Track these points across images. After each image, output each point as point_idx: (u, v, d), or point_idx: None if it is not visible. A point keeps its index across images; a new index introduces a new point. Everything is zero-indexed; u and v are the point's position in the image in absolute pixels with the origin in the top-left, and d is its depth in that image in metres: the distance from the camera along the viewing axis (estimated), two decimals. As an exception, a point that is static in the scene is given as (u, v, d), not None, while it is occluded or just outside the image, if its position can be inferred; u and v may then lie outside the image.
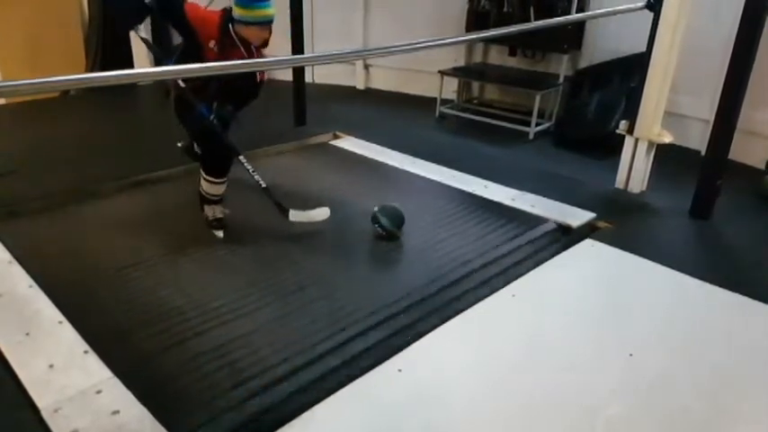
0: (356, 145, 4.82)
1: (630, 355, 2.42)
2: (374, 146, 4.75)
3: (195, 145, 3.36)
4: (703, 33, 4.38)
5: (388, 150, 4.64)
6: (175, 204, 3.61)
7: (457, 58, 6.13)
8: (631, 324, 2.66)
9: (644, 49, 3.81)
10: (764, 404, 2.22)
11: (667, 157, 4.20)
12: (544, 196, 3.82)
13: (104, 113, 5.58)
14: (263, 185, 3.25)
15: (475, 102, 6.30)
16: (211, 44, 3.01)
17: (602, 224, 3.55)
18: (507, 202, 3.78)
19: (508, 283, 2.92)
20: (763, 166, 4.39)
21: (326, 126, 5.13)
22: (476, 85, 6.33)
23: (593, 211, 3.61)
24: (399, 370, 2.30)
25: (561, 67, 5.51)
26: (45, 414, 2.00)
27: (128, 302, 2.70)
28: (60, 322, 2.48)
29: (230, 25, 3.02)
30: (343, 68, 6.75)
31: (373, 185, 4.06)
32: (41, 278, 2.78)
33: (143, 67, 5.86)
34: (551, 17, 5.04)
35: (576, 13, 5.16)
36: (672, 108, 4.19)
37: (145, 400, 2.06)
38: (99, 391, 2.11)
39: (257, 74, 3.15)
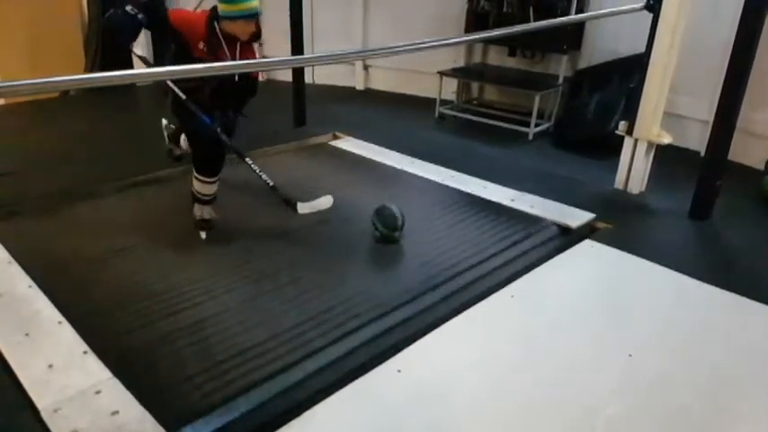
0: (356, 145, 4.82)
1: (630, 355, 2.42)
2: (373, 146, 4.75)
3: (181, 142, 3.38)
4: (703, 34, 4.39)
5: (388, 151, 4.64)
6: (176, 204, 3.60)
7: (456, 59, 6.14)
8: (631, 324, 2.66)
9: (643, 49, 3.81)
10: (764, 404, 2.23)
11: (667, 158, 4.21)
12: (543, 197, 3.82)
13: (104, 114, 5.58)
14: (271, 184, 3.31)
15: (474, 102, 6.30)
16: (200, 45, 3.03)
17: (601, 225, 3.55)
18: (506, 202, 3.78)
19: (507, 283, 2.92)
20: (762, 167, 4.39)
21: (326, 126, 5.14)
22: (475, 86, 6.33)
23: (592, 211, 3.61)
24: (399, 370, 2.30)
25: (561, 67, 5.51)
26: (44, 414, 2.00)
27: (128, 303, 2.69)
28: (60, 322, 2.48)
29: (216, 23, 3.04)
30: (343, 69, 6.75)
31: (372, 186, 4.06)
32: (41, 278, 2.78)
33: (142, 67, 5.85)
34: (551, 18, 5.05)
35: (576, 13, 5.16)
36: (671, 108, 4.20)
37: (145, 401, 2.06)
38: (98, 392, 2.11)
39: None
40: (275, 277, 2.93)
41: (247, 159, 3.30)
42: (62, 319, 2.50)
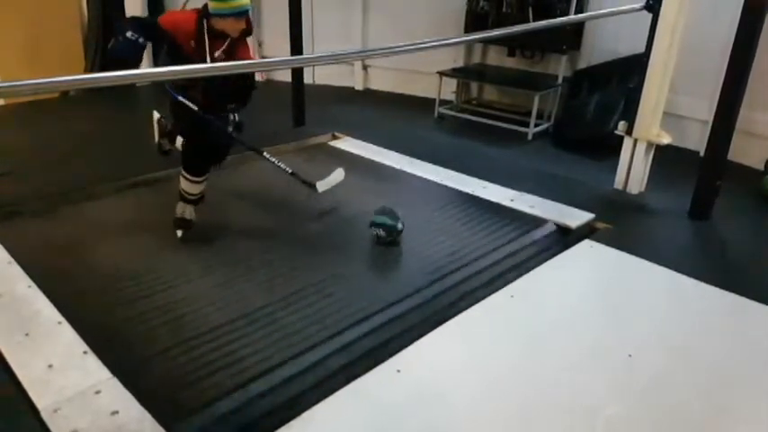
0: (355, 146, 4.82)
1: (629, 355, 2.42)
2: (373, 146, 4.75)
3: (177, 143, 3.39)
4: (702, 34, 4.38)
5: (387, 151, 4.64)
6: (175, 205, 3.59)
7: (456, 59, 6.14)
8: (630, 325, 2.66)
9: (643, 49, 3.82)
10: (763, 404, 2.23)
11: (666, 158, 4.21)
12: (543, 197, 3.82)
13: (104, 114, 5.58)
14: (290, 171, 3.48)
15: (474, 102, 6.30)
16: (191, 43, 3.04)
17: (600, 225, 3.55)
18: (506, 202, 3.78)
19: (507, 283, 2.92)
20: (762, 167, 4.39)
21: (325, 126, 5.14)
22: (474, 86, 6.33)
23: (591, 211, 3.61)
24: (398, 370, 2.30)
25: (560, 67, 5.52)
26: (44, 414, 2.00)
27: (128, 303, 2.70)
28: (59, 322, 2.48)
29: (205, 21, 3.04)
30: (342, 69, 6.75)
31: (372, 186, 4.06)
32: (40, 278, 2.78)
33: (141, 68, 5.85)
34: (550, 18, 5.05)
35: (575, 13, 5.16)
36: (670, 109, 4.19)
37: (145, 401, 2.06)
38: (98, 392, 2.11)
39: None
40: (276, 277, 2.93)
41: (265, 153, 3.43)
42: (62, 319, 2.50)
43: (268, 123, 5.01)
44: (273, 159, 3.44)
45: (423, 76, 6.12)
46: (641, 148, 3.93)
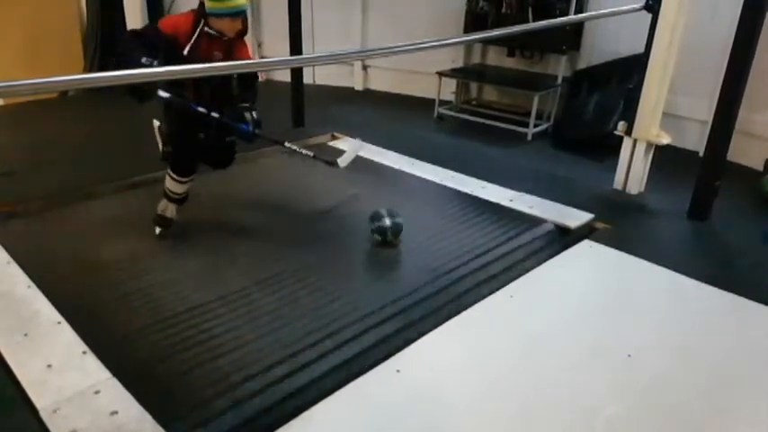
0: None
1: (629, 355, 2.42)
2: (372, 147, 4.74)
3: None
4: (702, 34, 4.38)
5: (386, 151, 4.64)
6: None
7: (455, 59, 6.14)
8: (630, 325, 2.66)
9: (642, 49, 3.82)
10: (763, 404, 2.23)
11: (665, 159, 4.21)
12: (542, 197, 3.82)
13: (103, 114, 5.56)
14: (311, 154, 3.45)
15: (473, 103, 6.30)
16: (189, 43, 3.03)
17: (600, 225, 3.55)
18: (505, 203, 3.78)
19: (506, 283, 2.92)
20: (761, 167, 4.39)
21: (325, 127, 5.13)
22: (474, 86, 6.33)
23: (591, 212, 3.61)
24: (398, 370, 2.30)
25: (559, 67, 5.52)
26: (44, 414, 2.00)
27: (128, 303, 2.70)
28: (59, 323, 2.48)
29: (202, 20, 3.04)
30: (342, 69, 6.75)
31: (371, 186, 4.06)
32: (40, 279, 2.78)
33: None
34: (550, 18, 5.05)
35: (575, 13, 5.16)
36: (670, 109, 4.19)
37: (144, 401, 2.06)
38: (97, 392, 2.11)
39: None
40: (275, 277, 2.93)
41: (286, 143, 3.43)
42: (61, 319, 2.49)
43: (267, 123, 4.97)
44: (295, 147, 3.45)
45: (422, 76, 6.12)
46: (641, 148, 3.93)
